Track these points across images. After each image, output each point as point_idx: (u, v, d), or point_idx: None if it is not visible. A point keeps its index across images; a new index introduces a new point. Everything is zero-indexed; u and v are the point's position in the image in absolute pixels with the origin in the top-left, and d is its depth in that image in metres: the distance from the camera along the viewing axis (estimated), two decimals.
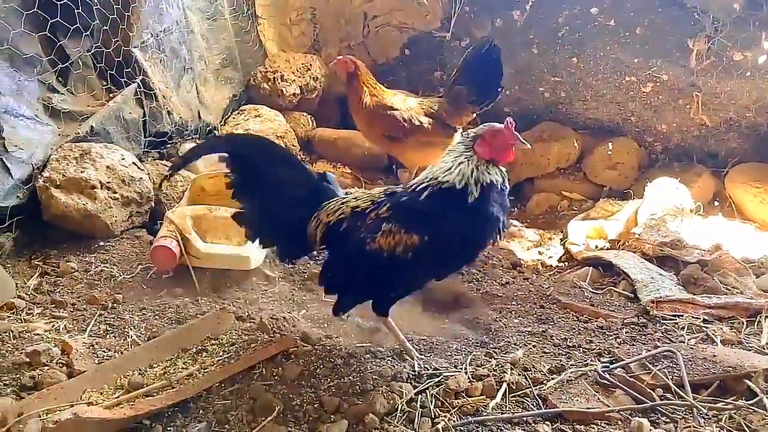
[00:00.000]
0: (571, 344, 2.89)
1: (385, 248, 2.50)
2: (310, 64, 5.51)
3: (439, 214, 2.46)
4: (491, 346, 2.88)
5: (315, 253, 3.07)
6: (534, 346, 2.86)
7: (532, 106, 5.19)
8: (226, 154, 2.69)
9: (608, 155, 4.85)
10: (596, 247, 3.98)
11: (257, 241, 2.79)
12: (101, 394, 2.51)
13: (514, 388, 2.51)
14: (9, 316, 3.03)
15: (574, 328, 3.06)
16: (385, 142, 4.47)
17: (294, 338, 2.84)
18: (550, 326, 3.08)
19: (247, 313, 3.09)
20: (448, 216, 2.45)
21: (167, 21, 4.61)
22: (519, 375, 2.58)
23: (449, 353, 2.82)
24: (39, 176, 3.60)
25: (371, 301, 2.75)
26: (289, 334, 2.88)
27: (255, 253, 3.37)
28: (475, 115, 4.44)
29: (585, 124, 5.10)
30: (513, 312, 3.25)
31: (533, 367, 2.66)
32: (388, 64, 5.50)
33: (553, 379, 2.57)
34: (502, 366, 2.64)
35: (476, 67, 4.31)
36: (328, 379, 2.60)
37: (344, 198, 2.75)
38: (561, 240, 4.35)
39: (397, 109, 4.38)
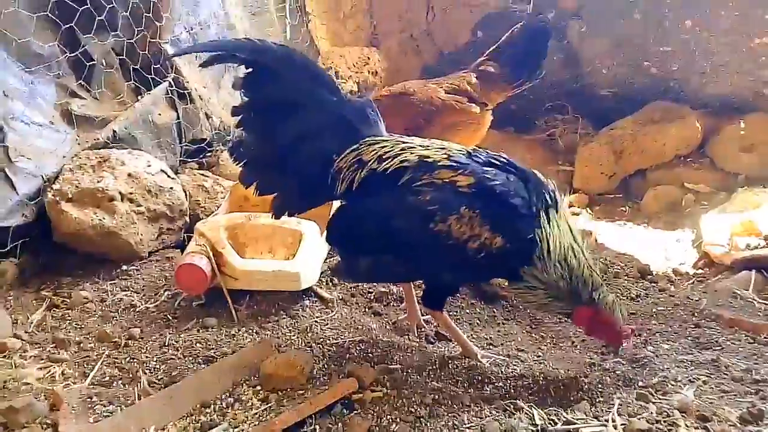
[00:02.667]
0: (758, 377, 2.00)
1: (454, 235, 1.99)
2: (368, 58, 4.84)
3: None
4: (641, 383, 2.01)
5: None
6: (705, 383, 1.98)
7: (635, 86, 4.28)
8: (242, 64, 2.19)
9: (741, 136, 3.89)
10: (748, 246, 3.04)
11: (256, 183, 2.25)
12: None
13: None
14: None
15: (755, 354, 2.16)
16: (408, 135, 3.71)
17: (357, 379, 2.06)
18: (719, 352, 2.18)
19: (295, 346, 2.34)
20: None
21: (203, 13, 4.02)
22: (697, 428, 1.71)
23: (582, 395, 1.98)
24: (49, 189, 2.99)
25: (424, 290, 2.32)
26: (352, 373, 2.10)
27: (306, 270, 2.63)
28: (509, 95, 3.69)
29: (704, 102, 4.16)
30: (658, 334, 2.37)
31: (715, 414, 1.78)
32: (457, 52, 4.71)
33: None
34: (668, 414, 1.77)
35: (517, 45, 3.60)
36: None
37: (402, 139, 2.21)
38: (693, 241, 3.42)
39: (412, 94, 3.62)
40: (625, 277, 2.87)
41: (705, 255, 3.21)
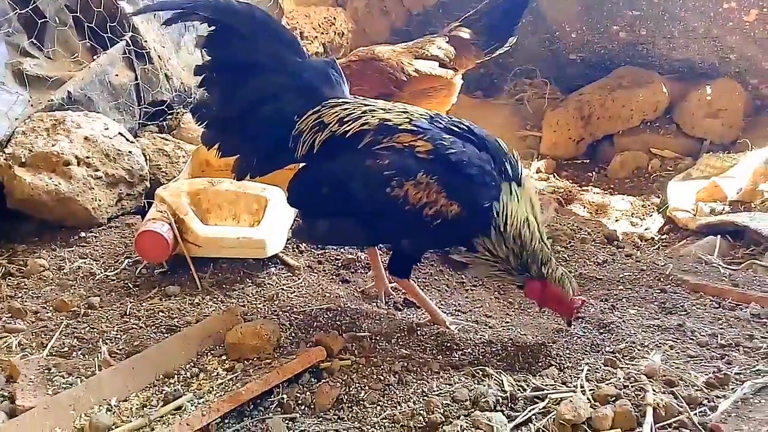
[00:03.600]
0: (724, 342, 2.02)
1: (410, 201, 1.98)
2: (334, 18, 4.71)
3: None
4: (608, 349, 2.02)
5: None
6: (671, 348, 1.99)
7: (603, 50, 4.28)
8: (204, 23, 2.11)
9: (707, 101, 3.91)
10: (712, 210, 3.08)
11: (218, 145, 2.19)
12: None
13: (663, 414, 1.64)
14: None
15: (719, 319, 2.19)
16: None
17: (325, 347, 2.02)
18: (685, 317, 2.20)
19: (261, 315, 2.29)
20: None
21: None
22: (664, 393, 1.72)
23: (550, 361, 1.98)
24: (0, 153, 2.86)
25: (390, 258, 2.29)
26: (320, 341, 2.06)
27: (272, 237, 2.57)
28: (480, 62, 3.64)
29: (671, 68, 4.18)
30: (624, 299, 2.39)
31: (681, 379, 1.79)
32: (425, 13, 4.63)
33: (719, 397, 1.70)
34: (636, 379, 1.78)
35: (493, 12, 3.55)
36: (378, 407, 1.83)
37: (364, 102, 2.16)
38: (659, 207, 3.45)
39: (382, 59, 3.53)
40: (592, 243, 2.88)
41: (670, 220, 3.24)
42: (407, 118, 2.08)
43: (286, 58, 2.18)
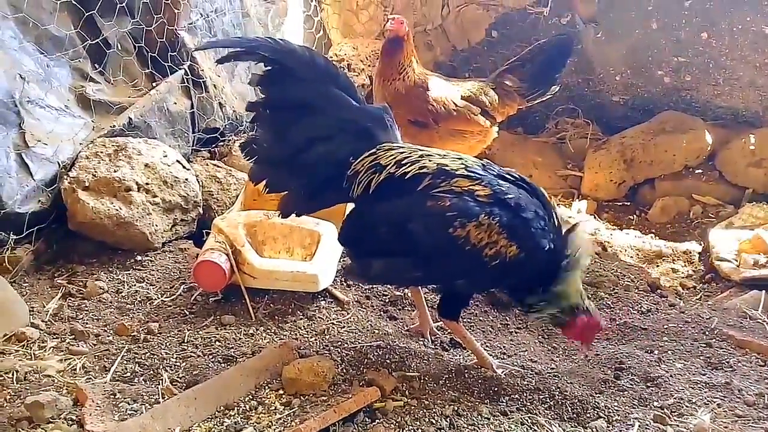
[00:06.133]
0: None
1: (471, 240, 2.04)
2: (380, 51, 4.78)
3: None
4: (656, 404, 2.06)
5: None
6: (719, 406, 2.03)
7: (647, 94, 4.31)
8: (262, 62, 2.18)
9: (750, 150, 3.93)
10: (756, 262, 3.09)
11: (266, 181, 2.26)
12: None
13: None
14: (17, 351, 2.39)
15: (766, 378, 2.21)
16: (410, 129, 3.66)
17: (378, 387, 2.09)
18: (732, 375, 2.23)
19: (313, 349, 2.36)
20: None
21: (219, 1, 3.98)
22: None
23: (598, 413, 2.02)
24: (65, 176, 2.98)
25: (440, 301, 2.33)
26: (373, 381, 2.13)
27: (324, 272, 2.65)
28: (521, 108, 3.78)
29: (714, 114, 4.21)
30: (670, 352, 2.41)
31: None
32: (470, 49, 4.71)
33: None
34: None
35: (538, 60, 3.67)
36: None
37: (419, 147, 2.25)
38: (700, 254, 3.47)
39: (429, 89, 3.64)
40: (635, 290, 2.91)
41: (712, 269, 3.25)
42: (462, 164, 2.16)
43: (343, 102, 2.25)
